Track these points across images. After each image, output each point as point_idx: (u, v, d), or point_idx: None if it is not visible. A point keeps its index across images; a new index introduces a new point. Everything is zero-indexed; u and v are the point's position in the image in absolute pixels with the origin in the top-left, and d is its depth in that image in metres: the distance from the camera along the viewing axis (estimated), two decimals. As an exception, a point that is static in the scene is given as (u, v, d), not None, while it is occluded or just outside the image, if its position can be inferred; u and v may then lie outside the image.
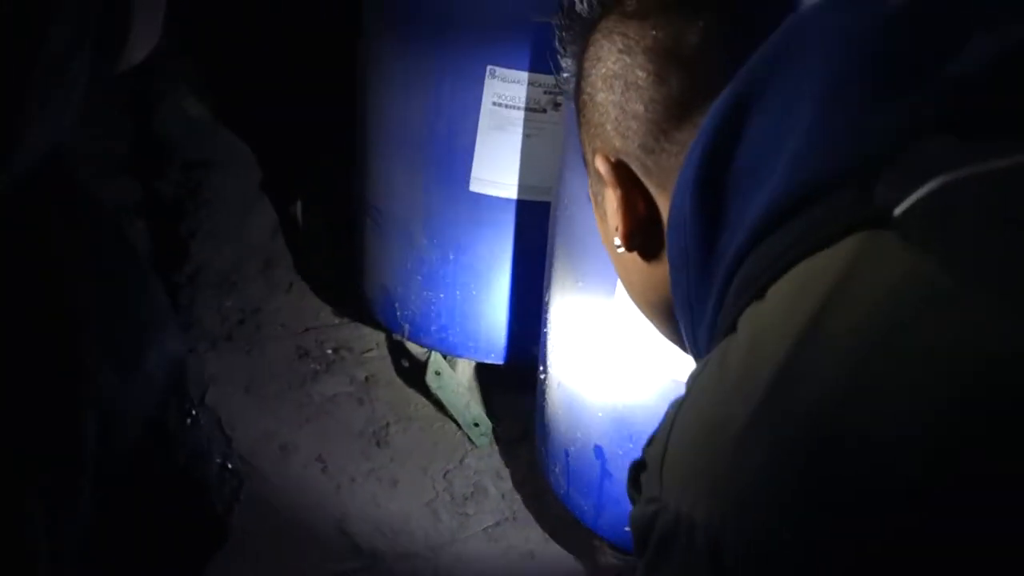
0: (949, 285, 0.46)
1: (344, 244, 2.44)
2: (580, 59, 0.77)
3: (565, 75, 0.80)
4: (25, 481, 0.45)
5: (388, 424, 2.28)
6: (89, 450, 0.48)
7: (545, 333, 1.71)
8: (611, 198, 0.73)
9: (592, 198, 0.79)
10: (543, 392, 1.75)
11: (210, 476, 0.61)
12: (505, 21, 1.83)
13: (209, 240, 2.48)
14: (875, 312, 0.48)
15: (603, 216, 0.76)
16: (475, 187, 1.96)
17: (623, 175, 0.72)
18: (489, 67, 1.85)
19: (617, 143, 0.72)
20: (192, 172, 2.48)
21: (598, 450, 1.60)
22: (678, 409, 0.56)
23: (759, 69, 0.60)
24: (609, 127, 0.73)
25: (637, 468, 0.60)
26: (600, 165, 0.73)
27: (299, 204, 2.68)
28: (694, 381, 0.57)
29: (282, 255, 2.65)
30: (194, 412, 0.59)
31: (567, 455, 1.68)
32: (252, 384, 2.35)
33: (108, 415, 0.50)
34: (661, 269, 0.70)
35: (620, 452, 1.56)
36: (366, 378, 2.41)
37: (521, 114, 1.88)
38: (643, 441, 1.62)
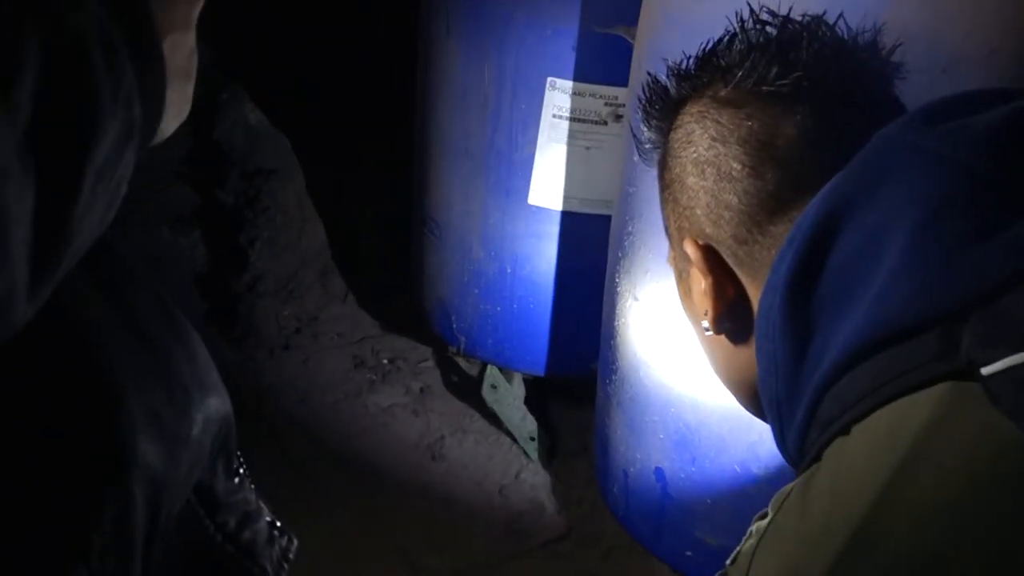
0: None
1: (399, 254, 2.43)
2: (666, 135, 0.77)
3: (647, 146, 0.80)
4: (75, 559, 0.44)
5: (443, 437, 2.26)
6: (138, 526, 0.47)
7: (604, 350, 1.68)
8: (698, 279, 0.73)
9: (676, 272, 0.80)
10: (602, 411, 1.71)
11: (260, 538, 0.59)
12: (565, 32, 1.80)
13: (267, 249, 2.49)
14: (955, 481, 0.48)
15: (687, 292, 0.77)
16: (534, 200, 1.93)
17: (713, 261, 0.72)
18: (549, 79, 1.82)
19: (708, 229, 0.72)
20: (252, 180, 2.48)
21: (659, 472, 1.56)
22: (761, 537, 0.58)
23: (849, 186, 0.60)
24: (700, 212, 0.73)
25: None
26: (689, 248, 0.73)
27: (355, 213, 2.67)
28: (779, 509, 0.58)
29: (338, 264, 2.65)
30: (241, 471, 0.57)
31: (626, 475, 1.64)
32: (309, 394, 2.35)
33: (156, 487, 0.48)
34: (748, 352, 0.70)
35: (682, 475, 1.52)
36: (421, 389, 2.40)
37: (581, 126, 1.84)
38: (705, 465, 1.57)
